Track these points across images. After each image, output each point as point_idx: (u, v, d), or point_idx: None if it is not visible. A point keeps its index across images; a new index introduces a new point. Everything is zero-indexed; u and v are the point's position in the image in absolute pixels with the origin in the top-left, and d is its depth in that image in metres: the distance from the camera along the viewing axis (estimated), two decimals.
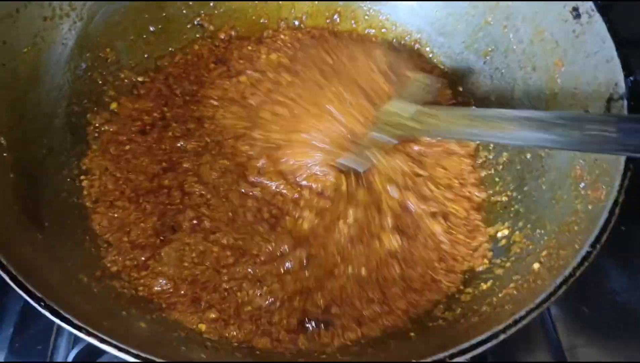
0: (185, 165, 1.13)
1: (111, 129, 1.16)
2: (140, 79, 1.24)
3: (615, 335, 1.14)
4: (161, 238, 1.04)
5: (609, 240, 0.83)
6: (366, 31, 1.38)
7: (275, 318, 0.98)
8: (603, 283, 1.19)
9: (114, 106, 1.19)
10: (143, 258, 1.01)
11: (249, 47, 1.32)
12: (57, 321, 0.74)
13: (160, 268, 1.00)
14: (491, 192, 1.15)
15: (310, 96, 1.14)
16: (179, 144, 1.15)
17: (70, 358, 1.04)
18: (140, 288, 0.99)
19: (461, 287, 1.02)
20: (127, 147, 1.14)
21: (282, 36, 1.34)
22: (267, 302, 0.99)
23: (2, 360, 1.06)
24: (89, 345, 1.02)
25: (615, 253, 1.21)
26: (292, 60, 1.24)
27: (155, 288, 0.99)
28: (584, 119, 0.86)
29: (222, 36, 1.34)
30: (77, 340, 1.07)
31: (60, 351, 1.08)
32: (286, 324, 0.98)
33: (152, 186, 1.10)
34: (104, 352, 1.03)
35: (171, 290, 0.99)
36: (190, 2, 1.30)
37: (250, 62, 1.27)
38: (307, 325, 0.98)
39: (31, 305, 0.97)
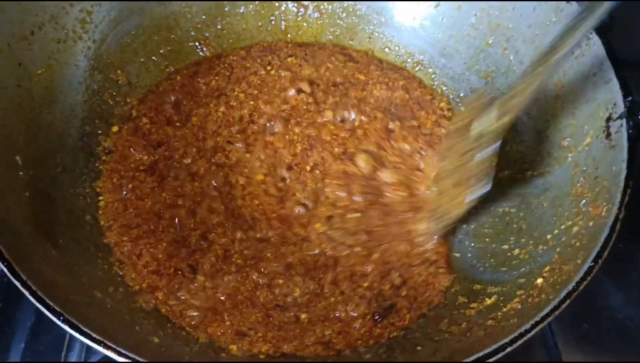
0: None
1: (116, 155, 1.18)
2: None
3: (613, 351, 1.16)
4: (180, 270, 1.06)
5: (607, 257, 0.86)
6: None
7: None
8: (602, 300, 1.21)
9: (114, 129, 1.20)
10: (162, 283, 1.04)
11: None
12: (77, 335, 0.76)
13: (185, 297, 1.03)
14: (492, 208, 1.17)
15: None
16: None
17: None
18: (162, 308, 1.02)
19: (465, 301, 1.04)
20: (132, 174, 1.16)
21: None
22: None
23: None
24: (101, 361, 1.05)
25: (613, 271, 1.23)
26: None
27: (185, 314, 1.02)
28: None
29: (226, 60, 1.35)
30: (88, 354, 1.09)
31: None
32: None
33: (161, 213, 1.12)
34: None
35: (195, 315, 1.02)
36: (199, 25, 1.33)
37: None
38: None
39: (43, 319, 1.00)
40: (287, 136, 1.22)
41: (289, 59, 1.35)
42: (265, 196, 1.16)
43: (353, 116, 1.25)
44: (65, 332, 1.06)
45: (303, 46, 1.39)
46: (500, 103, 1.00)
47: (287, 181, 1.18)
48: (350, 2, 1.36)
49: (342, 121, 1.25)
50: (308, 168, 1.19)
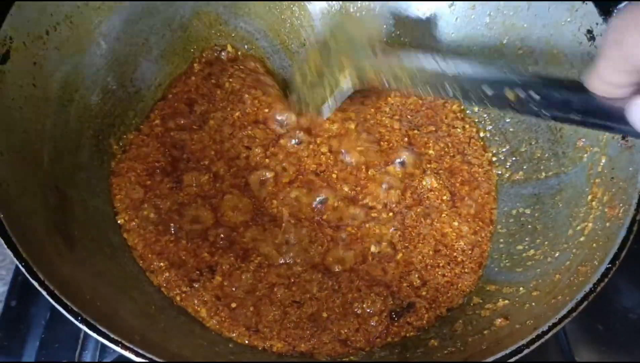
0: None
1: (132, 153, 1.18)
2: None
3: (627, 351, 1.16)
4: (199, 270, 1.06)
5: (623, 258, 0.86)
6: None
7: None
8: (616, 301, 1.21)
9: (130, 128, 1.21)
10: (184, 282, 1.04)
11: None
12: (94, 335, 0.77)
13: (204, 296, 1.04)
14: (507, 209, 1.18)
15: None
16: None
17: None
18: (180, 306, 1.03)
19: (480, 302, 1.04)
20: (148, 173, 1.15)
21: None
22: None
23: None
24: (116, 360, 1.05)
25: (627, 272, 1.23)
26: None
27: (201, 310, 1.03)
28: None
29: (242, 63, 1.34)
30: (102, 352, 1.09)
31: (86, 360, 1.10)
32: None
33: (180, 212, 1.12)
34: None
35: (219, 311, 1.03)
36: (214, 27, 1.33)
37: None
38: None
39: (57, 316, 1.00)
40: (310, 146, 1.22)
41: None
42: (293, 200, 1.15)
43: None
44: (80, 329, 1.08)
45: None
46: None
47: (317, 184, 1.18)
48: (364, 2, 1.36)
49: (366, 131, 1.25)
50: (334, 175, 1.19)
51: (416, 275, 1.09)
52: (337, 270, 1.09)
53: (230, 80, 1.27)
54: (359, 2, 1.35)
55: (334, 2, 1.35)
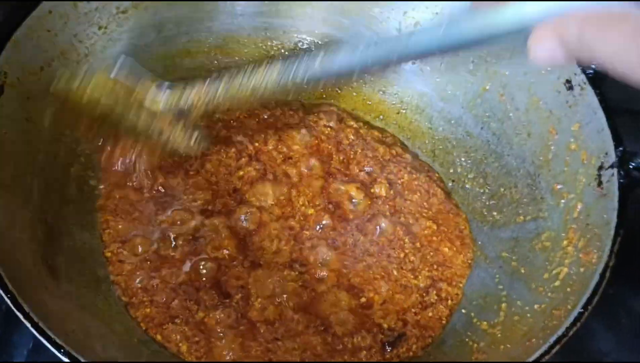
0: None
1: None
2: None
3: None
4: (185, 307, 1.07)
5: (597, 303, 0.88)
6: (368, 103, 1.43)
7: None
8: (592, 344, 1.22)
9: None
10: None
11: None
12: None
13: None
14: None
15: None
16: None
17: None
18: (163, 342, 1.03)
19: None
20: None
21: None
22: None
23: None
24: None
25: (603, 315, 1.25)
26: None
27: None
28: None
29: None
30: None
31: None
32: None
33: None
34: None
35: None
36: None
37: None
38: None
39: (41, 345, 1.01)
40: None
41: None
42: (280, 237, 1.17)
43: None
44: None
45: None
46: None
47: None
48: None
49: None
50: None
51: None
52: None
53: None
54: None
55: None
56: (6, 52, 0.99)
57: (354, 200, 1.22)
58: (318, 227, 1.19)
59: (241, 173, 1.23)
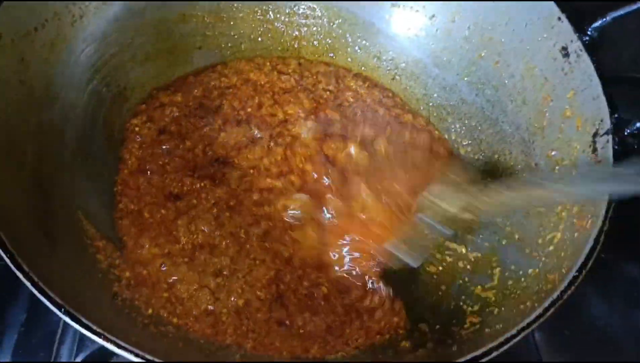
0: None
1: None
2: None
3: (593, 355, 1.20)
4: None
5: (591, 268, 0.89)
6: (362, 68, 1.43)
7: None
8: (584, 308, 1.25)
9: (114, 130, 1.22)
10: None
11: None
12: (78, 327, 0.77)
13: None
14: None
15: None
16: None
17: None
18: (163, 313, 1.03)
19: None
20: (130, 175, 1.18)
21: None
22: None
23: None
24: (92, 353, 1.07)
25: (595, 280, 1.26)
26: None
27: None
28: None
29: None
30: (79, 349, 1.10)
31: (62, 359, 1.10)
32: None
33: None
34: (107, 360, 1.08)
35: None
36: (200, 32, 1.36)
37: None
38: None
39: (35, 316, 1.01)
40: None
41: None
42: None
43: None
44: (57, 329, 1.09)
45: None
46: (474, 200, 0.99)
47: None
48: (346, 12, 1.39)
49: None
50: None
51: None
52: None
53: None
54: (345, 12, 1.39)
55: None
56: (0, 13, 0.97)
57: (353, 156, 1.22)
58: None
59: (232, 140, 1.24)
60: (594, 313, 1.23)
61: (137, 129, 1.23)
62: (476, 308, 1.03)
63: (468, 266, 1.15)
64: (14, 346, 1.11)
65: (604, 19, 1.10)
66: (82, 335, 1.10)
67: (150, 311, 1.01)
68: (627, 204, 0.92)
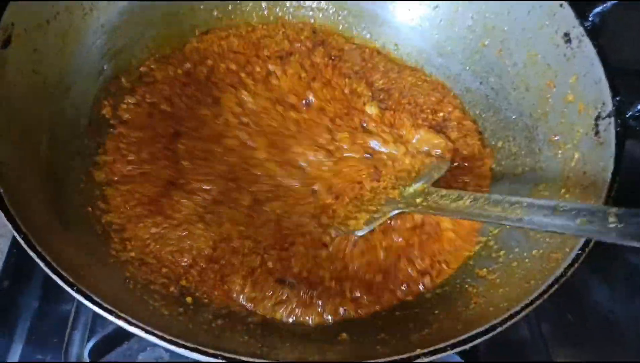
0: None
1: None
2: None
3: (596, 340, 1.21)
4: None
5: (593, 253, 0.90)
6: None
7: None
8: (586, 294, 1.26)
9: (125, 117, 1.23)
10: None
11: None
12: (89, 304, 0.79)
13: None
14: None
15: None
16: None
17: (86, 350, 1.08)
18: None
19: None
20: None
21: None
22: None
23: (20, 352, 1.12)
24: (104, 338, 1.08)
25: (597, 267, 1.28)
26: None
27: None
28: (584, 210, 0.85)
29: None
30: (91, 334, 1.12)
31: (75, 344, 1.12)
32: None
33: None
34: (118, 345, 1.09)
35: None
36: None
37: None
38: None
39: (48, 298, 1.03)
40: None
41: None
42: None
43: None
44: (69, 315, 1.11)
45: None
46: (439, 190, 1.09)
47: None
48: (351, 2, 1.41)
49: None
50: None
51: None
52: None
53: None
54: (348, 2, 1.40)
55: None
56: (13, 4, 0.99)
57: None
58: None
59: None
60: (596, 300, 1.25)
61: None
62: (481, 289, 1.04)
63: (473, 250, 1.16)
64: (27, 332, 1.13)
65: (605, 5, 1.11)
66: (94, 320, 1.13)
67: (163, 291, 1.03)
68: (631, 187, 0.94)
